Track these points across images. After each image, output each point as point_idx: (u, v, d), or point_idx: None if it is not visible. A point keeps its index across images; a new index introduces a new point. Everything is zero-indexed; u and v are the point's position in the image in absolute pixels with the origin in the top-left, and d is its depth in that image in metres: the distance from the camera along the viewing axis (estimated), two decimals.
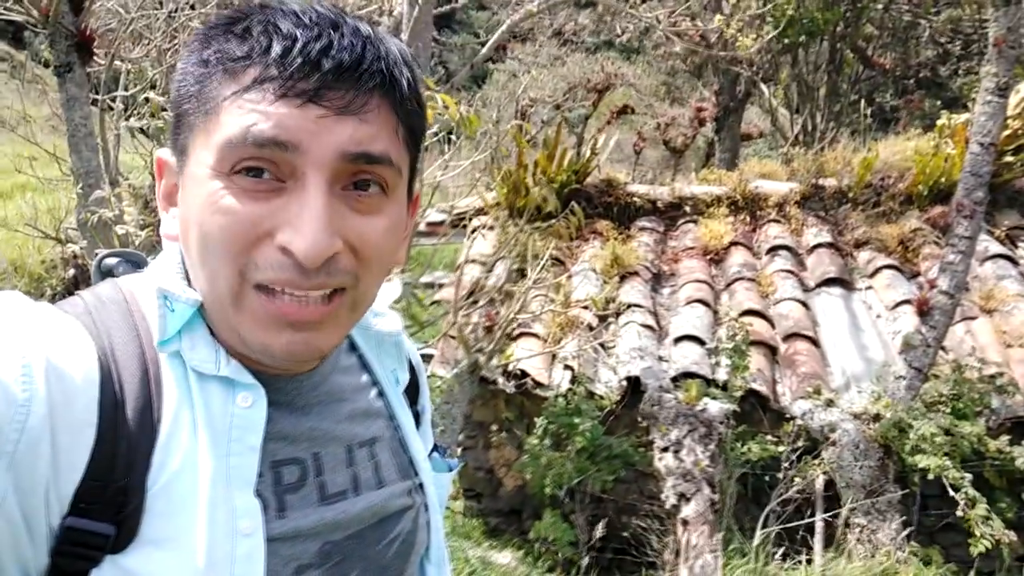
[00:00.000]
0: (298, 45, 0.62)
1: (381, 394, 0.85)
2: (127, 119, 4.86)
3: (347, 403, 0.79)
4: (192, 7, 5.52)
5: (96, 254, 0.76)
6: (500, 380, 4.34)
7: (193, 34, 0.60)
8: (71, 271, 5.77)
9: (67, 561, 0.60)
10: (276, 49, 0.63)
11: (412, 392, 0.91)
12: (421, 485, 0.84)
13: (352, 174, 0.65)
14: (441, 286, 4.89)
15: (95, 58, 4.63)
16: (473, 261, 4.95)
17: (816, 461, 4.05)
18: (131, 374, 0.64)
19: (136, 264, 0.79)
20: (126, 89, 5.32)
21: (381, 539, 0.77)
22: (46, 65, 4.95)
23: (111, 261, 0.78)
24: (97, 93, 4.93)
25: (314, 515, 0.72)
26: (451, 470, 0.93)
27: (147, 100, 4.38)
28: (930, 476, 3.71)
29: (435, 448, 0.92)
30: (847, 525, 3.90)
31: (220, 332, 0.69)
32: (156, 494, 0.62)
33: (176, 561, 0.62)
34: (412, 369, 0.92)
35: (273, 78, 0.62)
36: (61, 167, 4.67)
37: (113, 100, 5.13)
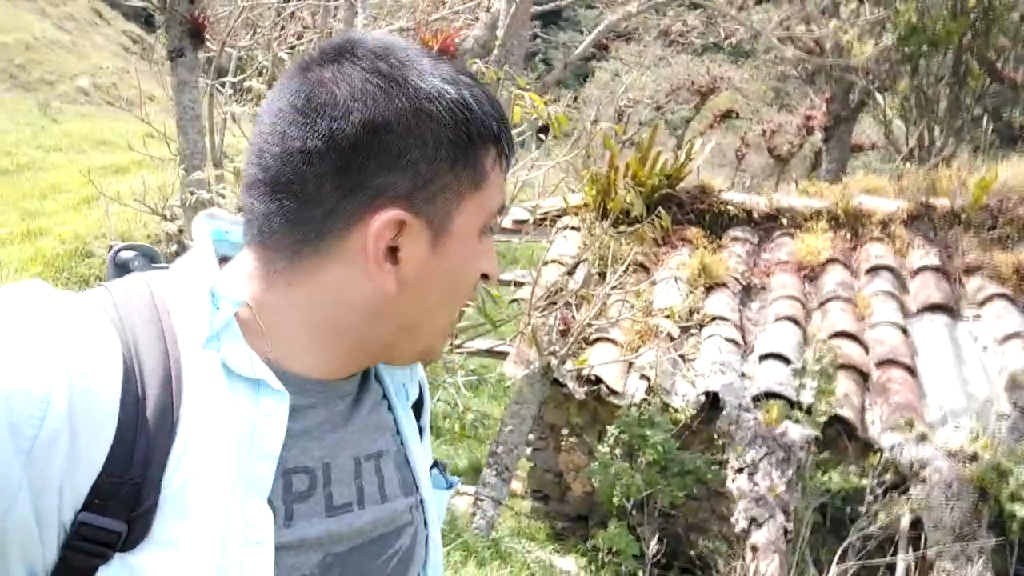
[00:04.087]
0: (503, 126, 0.75)
1: (390, 408, 0.85)
2: (235, 104, 5.05)
3: (361, 414, 0.80)
4: None
5: (111, 246, 0.76)
6: (572, 384, 4.28)
7: (411, 98, 0.69)
8: (174, 246, 6.05)
9: (77, 556, 0.59)
10: (495, 128, 0.74)
11: (417, 408, 0.91)
12: (422, 501, 0.84)
13: None
14: (520, 284, 4.86)
15: (207, 44, 4.83)
16: (554, 262, 4.90)
17: (903, 497, 3.81)
18: (154, 372, 0.63)
19: (151, 258, 0.79)
20: (235, 75, 5.54)
21: (381, 554, 0.77)
22: None
23: (127, 254, 0.78)
24: (208, 78, 5.13)
25: (320, 526, 0.71)
26: (450, 487, 0.92)
27: (250, 88, 4.54)
28: None
29: (435, 464, 0.91)
30: (931, 568, 3.65)
31: (258, 341, 0.69)
32: (170, 495, 0.61)
33: (184, 564, 0.61)
34: (419, 385, 0.92)
35: (503, 155, 0.76)
36: (170, 147, 4.89)
37: (223, 85, 5.33)
